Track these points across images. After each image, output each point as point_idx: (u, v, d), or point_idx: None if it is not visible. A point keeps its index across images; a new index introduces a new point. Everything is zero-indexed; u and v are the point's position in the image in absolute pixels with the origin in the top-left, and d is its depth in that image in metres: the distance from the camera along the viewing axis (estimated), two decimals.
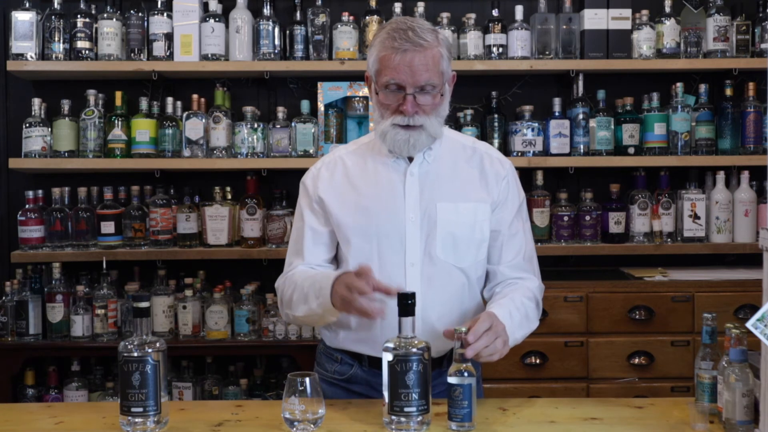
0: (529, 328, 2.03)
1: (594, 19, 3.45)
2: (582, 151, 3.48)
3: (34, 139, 3.41)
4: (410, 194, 2.02)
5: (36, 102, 3.45)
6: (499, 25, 3.46)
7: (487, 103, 3.62)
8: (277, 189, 3.53)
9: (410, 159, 2.04)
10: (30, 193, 3.44)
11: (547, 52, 3.48)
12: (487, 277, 2.12)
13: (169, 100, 3.51)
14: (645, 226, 3.48)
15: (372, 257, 1.99)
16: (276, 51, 3.46)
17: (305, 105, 3.49)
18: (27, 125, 3.42)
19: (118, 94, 3.48)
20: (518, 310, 1.97)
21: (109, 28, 3.41)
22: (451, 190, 2.03)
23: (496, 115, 3.53)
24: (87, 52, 3.42)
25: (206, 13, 3.44)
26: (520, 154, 3.47)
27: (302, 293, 1.98)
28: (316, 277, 1.98)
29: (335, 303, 1.87)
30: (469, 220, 2.03)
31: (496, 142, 3.51)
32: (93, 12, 3.46)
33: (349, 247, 2.02)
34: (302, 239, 2.08)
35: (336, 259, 2.12)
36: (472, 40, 3.47)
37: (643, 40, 3.47)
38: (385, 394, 1.74)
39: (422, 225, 2.00)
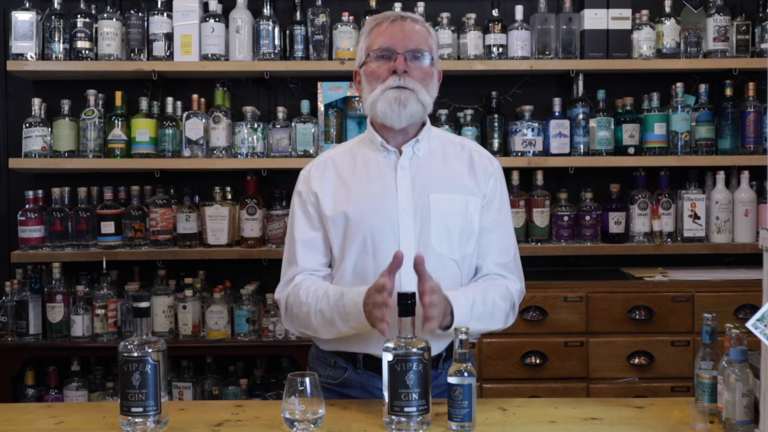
0: (490, 326, 2.01)
1: (594, 19, 3.45)
2: (582, 151, 3.48)
3: (34, 139, 3.41)
4: (402, 186, 2.02)
5: (36, 102, 3.45)
6: (499, 25, 3.46)
7: (487, 103, 3.62)
8: (277, 189, 3.53)
9: (400, 152, 2.05)
10: (30, 193, 3.44)
11: (547, 52, 3.48)
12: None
13: (169, 100, 3.51)
14: (645, 226, 3.48)
15: (366, 250, 1.99)
16: (276, 51, 3.46)
17: (305, 105, 3.50)
18: (27, 125, 3.43)
19: (118, 94, 3.48)
20: (484, 305, 1.97)
21: (109, 28, 3.41)
22: (442, 182, 2.04)
23: (496, 115, 3.53)
24: (87, 52, 3.42)
25: (206, 13, 3.45)
26: (520, 154, 3.47)
27: (323, 318, 1.96)
28: (330, 299, 1.95)
29: (374, 324, 1.85)
30: (461, 211, 2.03)
31: (496, 142, 3.51)
32: (93, 12, 3.46)
33: (344, 242, 2.02)
34: (294, 245, 2.07)
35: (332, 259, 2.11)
36: (472, 40, 3.47)
37: (643, 40, 3.48)
38: (385, 394, 1.74)
39: (416, 216, 2.00)
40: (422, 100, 1.99)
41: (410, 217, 2.00)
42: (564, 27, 3.48)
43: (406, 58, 1.98)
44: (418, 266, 1.84)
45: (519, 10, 3.47)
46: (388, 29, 2.00)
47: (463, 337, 1.76)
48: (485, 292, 1.99)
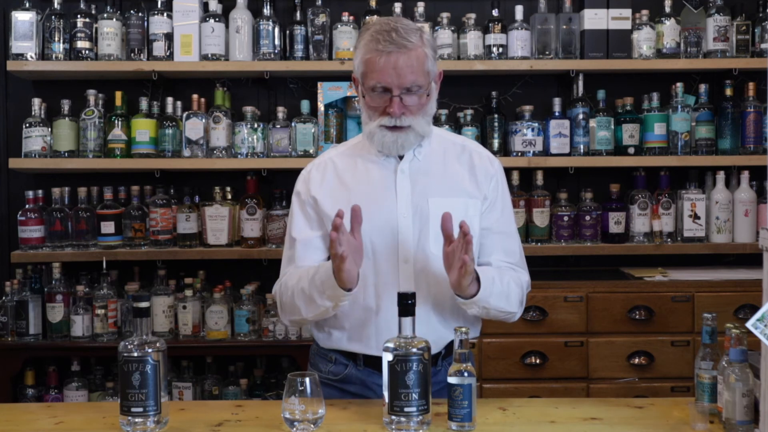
0: (505, 307, 2.00)
1: (594, 19, 3.45)
2: (582, 151, 3.48)
3: (34, 139, 3.41)
4: (402, 191, 2.03)
5: (36, 102, 3.45)
6: (499, 25, 3.46)
7: (487, 103, 3.62)
8: (277, 189, 3.53)
9: (400, 156, 2.05)
10: (30, 193, 3.44)
11: (547, 52, 3.48)
12: None
13: (169, 100, 3.51)
14: (645, 226, 3.48)
15: (366, 254, 1.99)
16: (276, 51, 3.46)
17: (305, 105, 3.50)
18: (27, 125, 3.43)
19: (118, 94, 3.48)
20: (502, 283, 1.98)
21: (109, 28, 3.41)
22: (442, 186, 2.05)
23: (496, 115, 3.53)
24: (87, 52, 3.42)
25: (206, 13, 3.45)
26: (520, 154, 3.47)
27: (304, 296, 1.97)
28: (309, 274, 1.97)
29: (343, 280, 1.85)
30: (461, 215, 2.02)
31: (496, 142, 3.51)
32: (93, 12, 3.46)
33: None
34: (293, 245, 2.08)
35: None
36: (472, 40, 3.47)
37: (643, 40, 3.47)
38: (385, 394, 1.74)
39: (414, 221, 2.01)
40: (420, 132, 2.00)
41: (409, 222, 2.01)
42: (564, 27, 3.48)
43: (401, 96, 1.95)
44: (445, 223, 1.86)
45: (519, 10, 3.47)
46: (383, 66, 1.93)
47: (462, 337, 1.77)
48: (501, 272, 2.02)
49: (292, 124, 3.47)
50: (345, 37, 3.45)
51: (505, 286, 1.99)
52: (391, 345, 1.73)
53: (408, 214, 2.01)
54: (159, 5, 3.44)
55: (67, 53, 3.43)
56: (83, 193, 3.45)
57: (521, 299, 2.06)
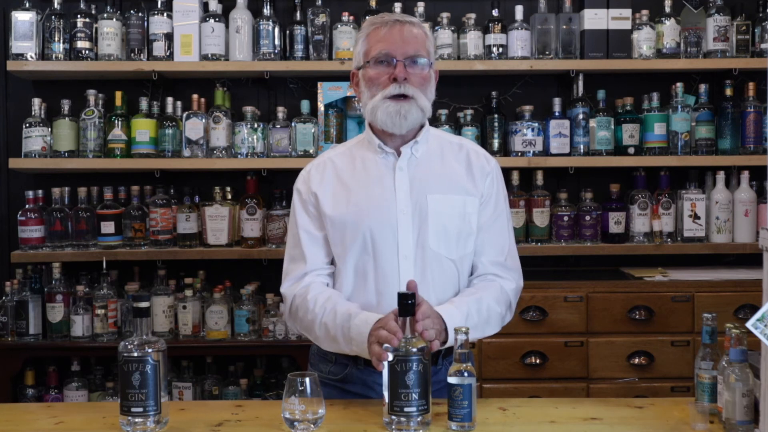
0: (483, 334, 2.03)
1: (594, 19, 3.45)
2: (582, 151, 3.48)
3: (34, 139, 3.41)
4: (401, 187, 2.04)
5: (36, 102, 3.45)
6: (499, 25, 3.46)
7: (487, 103, 3.62)
8: (277, 189, 3.53)
9: (398, 154, 2.06)
10: (30, 193, 3.44)
11: (547, 52, 3.48)
12: None
13: (169, 100, 3.51)
14: (645, 226, 3.48)
15: (366, 251, 2.01)
16: (276, 51, 3.46)
17: (305, 105, 3.50)
18: (27, 125, 3.43)
19: (118, 94, 3.48)
20: (479, 314, 1.98)
21: (109, 28, 3.41)
22: (440, 183, 2.06)
23: (496, 115, 3.53)
24: (87, 52, 3.42)
25: (206, 13, 3.45)
26: (520, 154, 3.47)
27: (327, 332, 1.98)
28: (338, 318, 1.96)
29: (371, 357, 1.86)
30: (459, 211, 2.05)
31: (496, 142, 3.51)
32: (93, 12, 3.46)
33: (344, 242, 2.03)
34: (300, 243, 2.08)
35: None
36: (472, 40, 3.47)
37: (643, 40, 3.48)
38: (385, 394, 1.74)
39: (414, 217, 2.02)
40: (422, 107, 2.02)
41: (408, 218, 2.02)
42: (564, 27, 3.48)
43: (405, 64, 1.99)
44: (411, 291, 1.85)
45: (519, 10, 3.47)
46: (386, 35, 2.01)
47: (463, 337, 1.76)
48: (480, 299, 2.01)
49: (292, 124, 3.47)
50: (345, 37, 3.45)
51: (483, 314, 2.00)
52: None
53: (407, 210, 2.02)
54: (159, 5, 3.44)
55: (67, 53, 3.43)
56: (83, 193, 3.45)
57: (504, 315, 2.07)
